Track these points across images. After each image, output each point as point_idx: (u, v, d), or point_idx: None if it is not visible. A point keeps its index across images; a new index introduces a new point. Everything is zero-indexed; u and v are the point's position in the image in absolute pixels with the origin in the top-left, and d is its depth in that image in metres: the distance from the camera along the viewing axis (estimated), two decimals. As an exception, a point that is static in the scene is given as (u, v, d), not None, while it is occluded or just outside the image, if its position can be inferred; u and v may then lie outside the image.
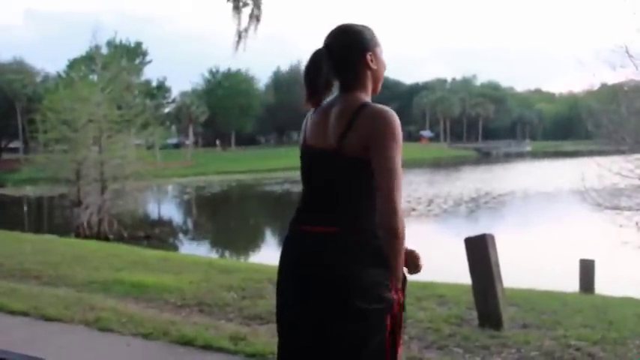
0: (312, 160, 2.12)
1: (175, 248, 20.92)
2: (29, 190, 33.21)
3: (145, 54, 69.69)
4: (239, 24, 9.15)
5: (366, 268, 1.96)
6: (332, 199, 2.05)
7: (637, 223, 11.58)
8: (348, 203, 2.02)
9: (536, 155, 79.50)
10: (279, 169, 49.83)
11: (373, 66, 2.10)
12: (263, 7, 9.22)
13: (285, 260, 2.12)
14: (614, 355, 4.13)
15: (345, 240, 1.99)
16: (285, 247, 2.14)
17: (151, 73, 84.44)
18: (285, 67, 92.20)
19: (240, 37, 9.16)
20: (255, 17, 9.18)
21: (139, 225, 24.01)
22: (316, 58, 2.05)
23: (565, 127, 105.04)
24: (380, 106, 2.00)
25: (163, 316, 5.47)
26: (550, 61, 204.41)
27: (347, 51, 2.07)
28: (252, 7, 9.24)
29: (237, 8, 9.22)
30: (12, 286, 6.72)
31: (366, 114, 1.98)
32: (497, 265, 4.95)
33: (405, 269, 2.05)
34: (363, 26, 2.13)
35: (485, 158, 78.30)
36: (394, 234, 1.92)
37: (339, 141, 1.99)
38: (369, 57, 2.08)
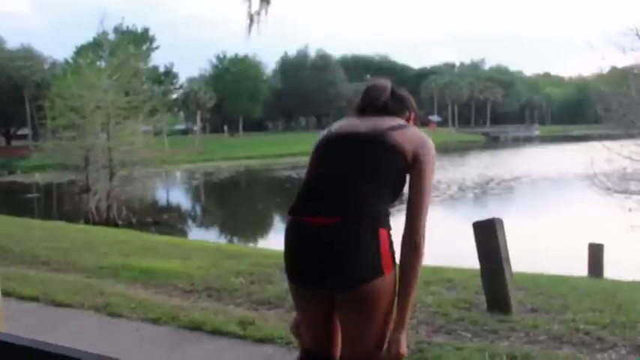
0: (338, 142, 2.12)
1: (184, 234, 20.98)
2: (38, 177, 33.41)
3: (152, 40, 69.49)
4: (250, 6, 8.99)
5: (366, 255, 1.93)
6: (341, 187, 1.99)
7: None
8: (357, 191, 1.97)
9: (544, 139, 79.12)
10: (287, 154, 49.84)
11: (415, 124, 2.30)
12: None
13: (288, 250, 2.08)
14: (622, 338, 4.12)
15: (348, 231, 1.93)
16: (286, 237, 2.08)
17: (158, 59, 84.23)
18: (292, 52, 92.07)
19: (252, 20, 9.01)
20: (265, -1, 9.02)
21: (148, 211, 24.10)
22: (381, 85, 2.25)
23: (574, 111, 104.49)
24: None
25: (172, 301, 5.50)
26: (559, 44, 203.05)
27: (401, 101, 2.27)
28: (262, -11, 9.05)
29: (247, -10, 9.04)
30: (22, 272, 6.77)
31: (415, 129, 2.15)
32: (506, 250, 4.93)
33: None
34: None
35: (493, 143, 77.99)
36: (415, 247, 2.02)
37: (387, 128, 2.08)
38: (413, 115, 2.30)
